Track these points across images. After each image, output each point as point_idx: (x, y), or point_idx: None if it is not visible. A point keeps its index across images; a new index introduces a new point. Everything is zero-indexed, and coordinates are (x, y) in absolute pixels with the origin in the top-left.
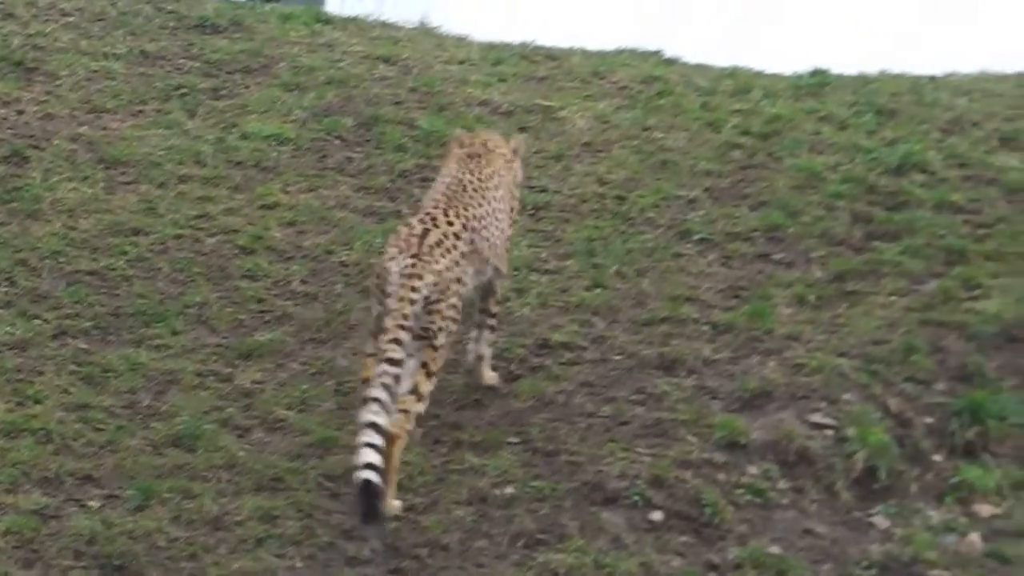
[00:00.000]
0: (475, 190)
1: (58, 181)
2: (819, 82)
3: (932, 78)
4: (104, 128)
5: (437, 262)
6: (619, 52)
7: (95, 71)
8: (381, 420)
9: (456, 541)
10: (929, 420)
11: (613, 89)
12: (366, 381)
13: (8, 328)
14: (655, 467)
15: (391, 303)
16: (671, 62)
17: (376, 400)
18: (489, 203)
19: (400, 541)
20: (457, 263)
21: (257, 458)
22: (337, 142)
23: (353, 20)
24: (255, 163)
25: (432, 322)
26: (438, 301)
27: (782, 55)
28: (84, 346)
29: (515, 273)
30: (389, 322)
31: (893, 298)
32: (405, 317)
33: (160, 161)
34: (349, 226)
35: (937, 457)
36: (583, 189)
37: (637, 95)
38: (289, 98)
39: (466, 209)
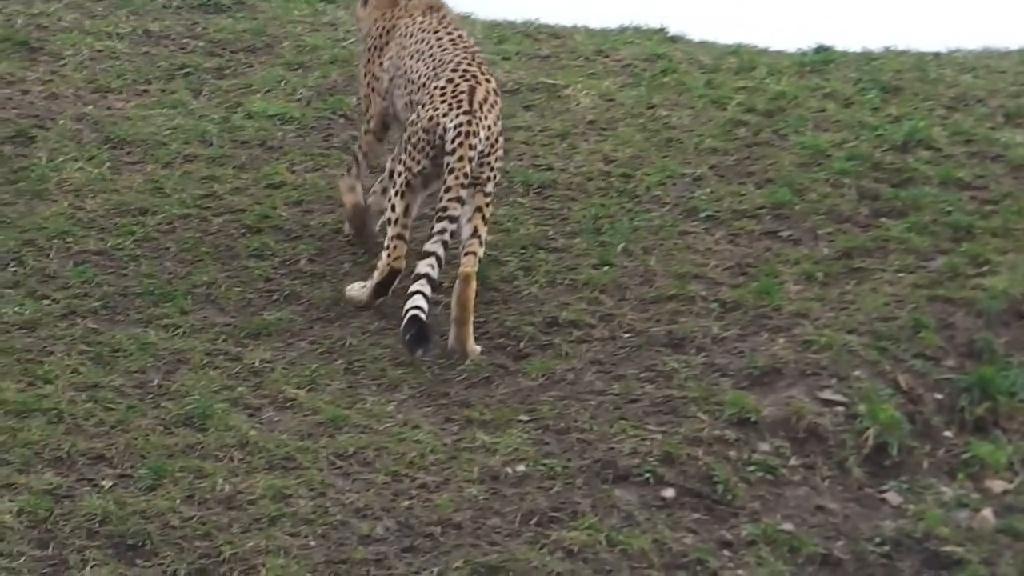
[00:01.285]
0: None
1: (64, 161)
2: (823, 59)
3: (936, 55)
4: (109, 108)
5: (487, 117)
6: (623, 30)
7: (99, 51)
8: (435, 273)
9: (469, 519)
10: (939, 396)
11: (617, 67)
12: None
13: (17, 308)
14: (666, 444)
15: (450, 160)
16: (675, 39)
17: (434, 255)
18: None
19: (413, 519)
20: (499, 117)
21: (268, 437)
22: (342, 121)
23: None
24: (260, 142)
25: (483, 172)
26: (490, 154)
27: (785, 32)
28: (93, 326)
29: (522, 251)
30: (451, 180)
31: (901, 275)
32: (466, 176)
33: (166, 141)
34: None
35: (948, 433)
36: (589, 167)
37: (641, 73)
38: (293, 77)
39: (483, 63)
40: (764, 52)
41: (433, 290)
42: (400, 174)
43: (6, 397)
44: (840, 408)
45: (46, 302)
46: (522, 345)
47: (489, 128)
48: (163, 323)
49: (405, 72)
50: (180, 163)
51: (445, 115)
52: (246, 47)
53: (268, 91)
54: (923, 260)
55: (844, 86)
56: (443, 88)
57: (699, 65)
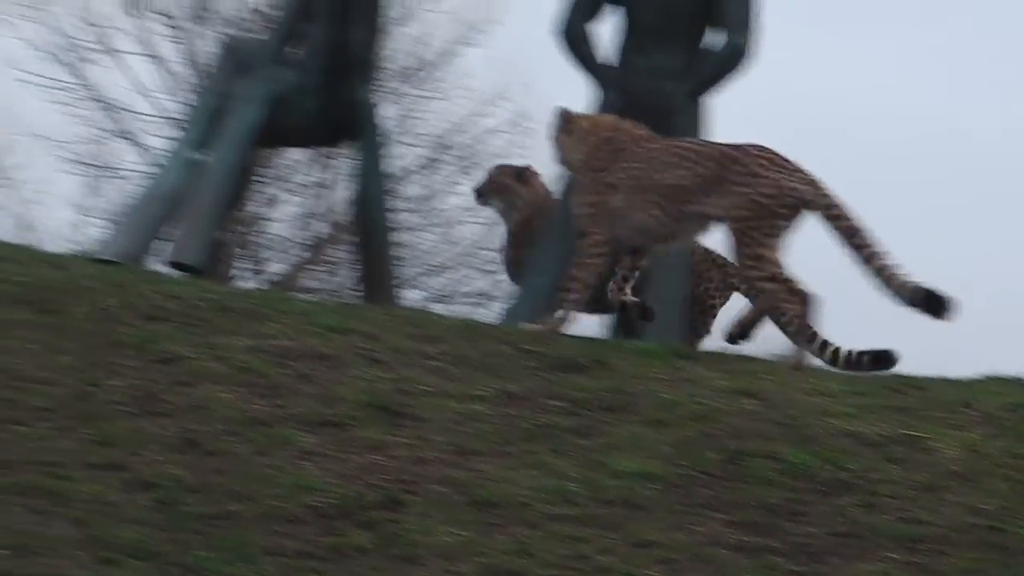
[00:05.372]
0: None
1: (433, 524)
2: None
3: None
4: (473, 470)
5: None
6: (983, 379)
7: (461, 413)
8: None
9: None
10: None
11: (980, 417)
12: None
13: None
14: None
15: None
16: None
17: None
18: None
19: None
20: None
21: None
22: (704, 477)
23: (713, 354)
24: (624, 501)
25: None
26: None
27: None
28: None
29: None
30: None
31: None
32: None
33: (530, 501)
34: (723, 562)
35: None
36: (957, 520)
37: (1005, 422)
38: (653, 434)
39: None
40: None
41: None
42: None
43: None
44: None
45: None
46: None
47: None
48: None
49: None
50: (545, 524)
51: None
52: (605, 405)
53: (628, 449)
54: None
55: None
56: None
57: None
